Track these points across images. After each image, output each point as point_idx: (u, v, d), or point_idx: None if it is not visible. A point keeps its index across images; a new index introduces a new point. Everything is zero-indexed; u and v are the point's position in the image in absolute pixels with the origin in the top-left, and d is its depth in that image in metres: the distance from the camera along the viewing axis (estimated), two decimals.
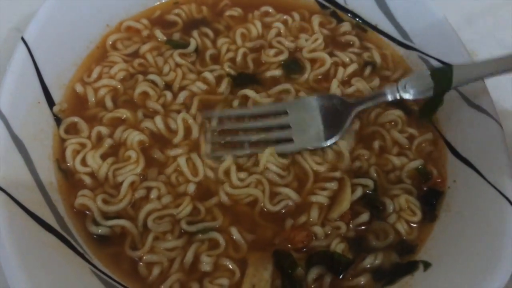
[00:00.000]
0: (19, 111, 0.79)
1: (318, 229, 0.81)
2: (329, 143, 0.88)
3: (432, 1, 0.98)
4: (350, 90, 0.97)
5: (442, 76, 0.86)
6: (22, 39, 0.83)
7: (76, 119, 0.88)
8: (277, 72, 0.98)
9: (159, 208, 0.81)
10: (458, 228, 0.80)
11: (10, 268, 0.64)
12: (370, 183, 0.85)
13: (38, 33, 0.85)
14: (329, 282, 0.77)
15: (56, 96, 0.88)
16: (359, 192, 0.84)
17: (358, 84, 0.97)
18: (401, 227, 0.83)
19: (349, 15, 1.08)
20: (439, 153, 0.91)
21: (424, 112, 0.94)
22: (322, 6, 1.10)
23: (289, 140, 0.88)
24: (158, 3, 1.06)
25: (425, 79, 0.87)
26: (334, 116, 0.90)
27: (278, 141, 0.88)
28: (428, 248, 0.81)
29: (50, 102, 0.87)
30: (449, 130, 0.92)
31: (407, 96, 0.89)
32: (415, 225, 0.84)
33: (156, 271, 0.76)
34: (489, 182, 0.79)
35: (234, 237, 0.80)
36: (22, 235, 0.68)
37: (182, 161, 0.85)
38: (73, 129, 0.88)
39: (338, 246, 0.79)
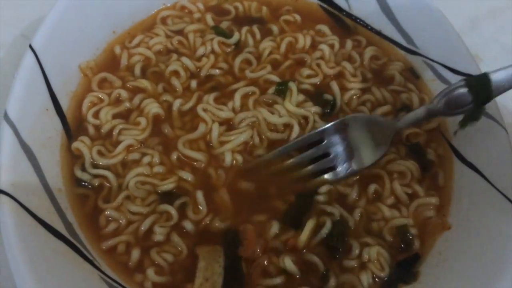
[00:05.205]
0: (28, 118, 0.79)
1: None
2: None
3: (436, 5, 0.98)
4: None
5: (480, 87, 0.78)
6: (30, 46, 0.83)
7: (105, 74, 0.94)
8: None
9: (147, 174, 0.84)
10: (464, 233, 0.80)
11: (20, 275, 0.65)
12: (336, 211, 0.81)
13: (45, 41, 0.85)
14: None
15: (64, 103, 0.89)
16: (328, 225, 0.80)
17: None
18: (365, 279, 0.77)
19: (352, 18, 1.09)
20: (439, 223, 0.83)
21: (464, 123, 0.86)
22: (326, 11, 1.10)
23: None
24: (163, 6, 1.07)
25: (462, 93, 0.80)
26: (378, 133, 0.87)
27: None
28: (435, 253, 0.81)
29: (58, 109, 0.87)
30: (455, 136, 0.91)
31: (444, 112, 0.83)
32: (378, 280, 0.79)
33: (112, 226, 0.80)
34: (495, 188, 0.80)
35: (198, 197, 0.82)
36: (31, 242, 0.68)
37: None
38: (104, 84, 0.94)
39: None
